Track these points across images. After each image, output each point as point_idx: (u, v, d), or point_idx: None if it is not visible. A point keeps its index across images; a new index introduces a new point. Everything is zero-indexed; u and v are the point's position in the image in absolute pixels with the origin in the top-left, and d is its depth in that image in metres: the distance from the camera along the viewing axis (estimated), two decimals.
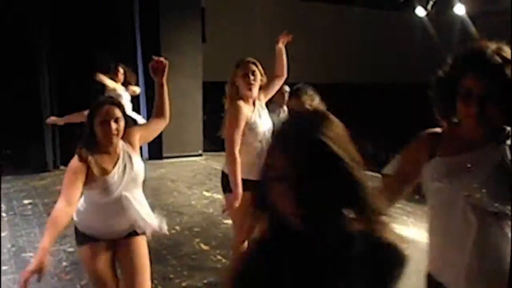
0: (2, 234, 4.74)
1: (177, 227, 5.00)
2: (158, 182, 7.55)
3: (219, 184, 6.69)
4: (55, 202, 6.10)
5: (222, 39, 10.14)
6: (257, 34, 10.36)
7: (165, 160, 9.27)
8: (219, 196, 6.26)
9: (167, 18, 9.17)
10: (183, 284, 3.61)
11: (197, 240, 4.60)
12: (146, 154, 9.40)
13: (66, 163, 7.76)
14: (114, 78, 6.73)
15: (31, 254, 4.19)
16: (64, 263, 4.01)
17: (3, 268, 3.89)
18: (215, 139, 9.62)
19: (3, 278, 3.71)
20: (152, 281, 3.56)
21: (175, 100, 9.49)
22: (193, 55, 9.43)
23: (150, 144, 9.35)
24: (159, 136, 8.99)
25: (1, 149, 8.84)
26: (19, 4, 8.46)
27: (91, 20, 9.01)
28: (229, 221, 5.12)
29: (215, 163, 8.83)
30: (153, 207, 5.78)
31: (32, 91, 8.41)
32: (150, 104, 9.18)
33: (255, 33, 10.48)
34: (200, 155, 9.65)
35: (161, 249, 4.36)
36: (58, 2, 8.55)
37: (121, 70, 6.78)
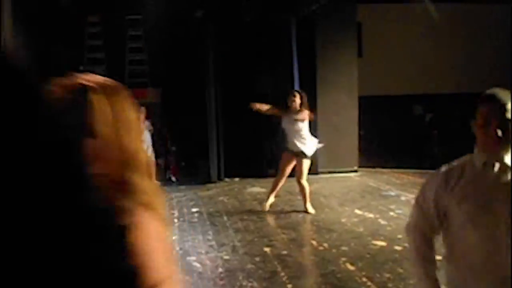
0: (173, 238, 5.42)
1: (325, 244, 5.10)
2: (311, 197, 7.74)
3: (373, 203, 6.67)
4: (217, 211, 6.73)
5: (378, 53, 9.99)
6: (414, 46, 9.99)
7: (320, 176, 9.44)
8: (371, 215, 6.22)
9: (323, 34, 9.37)
10: None
11: (344, 259, 4.63)
12: None
13: (229, 175, 8.52)
14: (290, 102, 6.70)
15: (194, 258, 4.72)
16: (220, 269, 4.41)
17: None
18: (371, 156, 9.54)
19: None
20: None
21: (330, 115, 9.74)
22: (349, 70, 9.46)
23: None
24: (314, 151, 9.27)
25: (179, 162, 10.04)
26: (190, 31, 9.60)
27: (251, 41, 9.73)
28: (379, 242, 5.07)
29: (370, 180, 8.72)
30: (303, 222, 6.05)
31: (201, 109, 9.38)
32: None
33: (412, 46, 10.11)
34: (355, 171, 9.59)
35: (307, 264, 4.52)
36: (224, 30, 9.45)
37: (297, 96, 6.73)
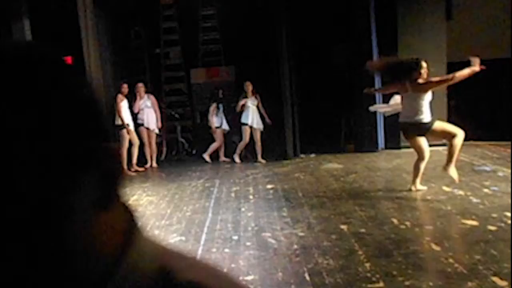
0: (249, 214, 5.40)
1: (407, 223, 4.77)
2: (393, 173, 7.38)
3: (464, 179, 6.15)
4: (292, 188, 6.62)
5: (471, 15, 9.11)
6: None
7: (403, 150, 8.94)
8: (461, 192, 5.74)
9: None
10: (406, 283, 3.42)
11: (428, 238, 4.30)
12: (382, 144, 9.27)
13: (305, 151, 8.33)
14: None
15: (269, 234, 4.64)
16: (295, 246, 4.28)
17: (247, 243, 4.43)
18: (463, 127, 8.86)
19: (246, 253, 4.20)
20: (374, 275, 3.53)
21: None
22: (436, 35, 8.73)
23: (386, 133, 9.19)
24: (396, 125, 8.80)
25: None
26: (263, 7, 9.44)
27: (326, 8, 9.30)
28: (470, 222, 4.65)
29: (462, 154, 8.02)
30: (384, 199, 5.74)
31: (275, 86, 9.20)
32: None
33: (506, 6, 9.13)
34: (444, 144, 8.93)
35: (387, 243, 4.25)
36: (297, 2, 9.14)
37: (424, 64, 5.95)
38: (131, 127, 8.67)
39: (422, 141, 5.86)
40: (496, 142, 8.67)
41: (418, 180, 5.95)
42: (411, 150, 8.84)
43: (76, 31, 8.43)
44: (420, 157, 5.88)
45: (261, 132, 9.01)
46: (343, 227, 4.76)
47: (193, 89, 11.25)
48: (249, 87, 8.96)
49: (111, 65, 8.91)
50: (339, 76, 9.65)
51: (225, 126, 9.32)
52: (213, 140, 9.28)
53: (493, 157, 7.75)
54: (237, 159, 9.06)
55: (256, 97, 8.94)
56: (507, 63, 9.71)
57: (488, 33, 9.20)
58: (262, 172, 8.00)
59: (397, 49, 8.85)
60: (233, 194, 6.49)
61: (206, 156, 9.21)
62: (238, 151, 9.11)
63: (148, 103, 9.08)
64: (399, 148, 8.89)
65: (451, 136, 5.78)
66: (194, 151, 10.45)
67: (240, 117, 9.01)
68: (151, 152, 9.13)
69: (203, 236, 4.73)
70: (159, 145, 9.62)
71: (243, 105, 8.90)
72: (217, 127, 9.20)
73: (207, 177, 7.86)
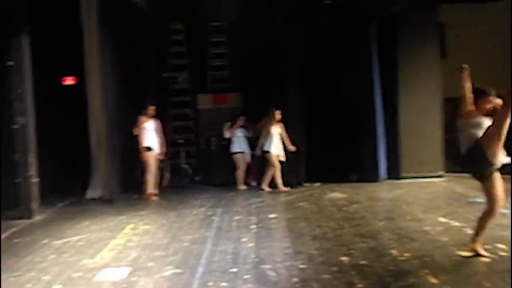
0: (249, 245, 5.48)
1: (407, 254, 4.87)
2: (393, 203, 7.50)
3: (459, 210, 6.26)
4: (295, 217, 6.71)
5: (464, 54, 9.45)
6: (501, 46, 9.34)
7: (403, 181, 9.11)
8: (457, 223, 5.87)
9: (404, 36, 9.10)
10: None
11: (426, 271, 4.39)
12: (384, 175, 9.41)
13: (309, 180, 8.38)
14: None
15: (269, 266, 4.73)
16: (295, 279, 4.37)
17: (245, 277, 4.50)
18: (459, 160, 9.00)
19: (244, 287, 4.27)
20: None
21: (413, 119, 9.39)
22: (432, 72, 9.16)
23: (388, 164, 9.35)
24: (397, 156, 8.97)
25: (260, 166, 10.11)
26: (271, 36, 9.70)
27: (332, 45, 9.62)
28: (465, 253, 4.76)
29: (457, 186, 8.23)
30: (384, 230, 5.85)
31: (282, 113, 9.38)
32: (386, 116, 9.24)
33: (498, 46, 9.46)
34: (441, 176, 9.13)
35: (386, 275, 4.34)
36: (304, 34, 9.43)
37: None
38: (155, 150, 8.77)
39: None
40: None
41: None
42: (412, 180, 9.07)
43: (80, 52, 8.48)
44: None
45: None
46: (344, 258, 4.85)
47: (199, 115, 11.47)
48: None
49: (114, 87, 8.84)
50: (346, 107, 9.85)
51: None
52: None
53: None
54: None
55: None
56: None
57: (481, 70, 9.48)
58: (266, 200, 8.11)
59: (397, 85, 9.16)
60: (234, 224, 6.52)
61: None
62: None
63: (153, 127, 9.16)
64: (400, 178, 9.08)
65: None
66: (197, 178, 10.60)
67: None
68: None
69: (200, 269, 4.69)
70: (161, 170, 9.62)
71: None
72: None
73: (209, 205, 7.90)
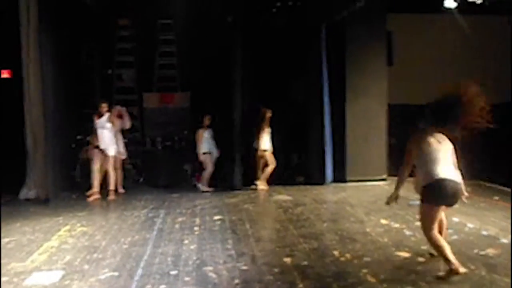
0: (191, 247, 5.33)
1: (347, 255, 4.91)
2: (337, 206, 7.58)
3: (400, 212, 6.42)
4: (240, 219, 6.63)
5: (409, 62, 9.83)
6: (445, 56, 9.74)
7: (348, 184, 9.24)
8: (397, 225, 6.00)
9: (352, 42, 9.26)
10: None
11: (365, 271, 4.43)
12: (330, 178, 9.51)
13: (250, 184, 8.25)
14: None
15: (211, 268, 4.61)
16: (237, 280, 4.28)
17: (185, 279, 4.36)
18: (401, 164, 9.19)
19: None
20: None
21: (359, 123, 9.57)
22: (378, 78, 9.35)
23: (334, 167, 9.46)
24: (343, 159, 9.09)
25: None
26: (221, 36, 9.64)
27: (281, 48, 9.65)
28: (403, 254, 4.86)
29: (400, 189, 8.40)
30: (327, 232, 5.87)
31: (228, 115, 9.31)
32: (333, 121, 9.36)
33: (443, 56, 9.87)
34: (384, 179, 9.34)
35: (326, 275, 4.34)
36: (253, 35, 9.41)
37: None
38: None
39: None
40: None
41: None
42: (356, 184, 9.20)
43: (17, 44, 8.08)
44: None
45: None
46: (287, 259, 4.82)
47: (145, 114, 11.16)
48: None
49: (53, 83, 8.31)
50: (294, 110, 9.90)
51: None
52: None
53: None
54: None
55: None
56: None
57: (424, 79, 9.86)
58: (212, 202, 7.97)
59: (345, 89, 9.32)
60: (177, 226, 6.34)
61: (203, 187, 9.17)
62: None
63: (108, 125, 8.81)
64: (345, 182, 9.21)
65: None
66: (141, 179, 10.28)
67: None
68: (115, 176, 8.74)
69: (139, 271, 4.53)
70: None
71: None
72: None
73: (152, 206, 7.67)
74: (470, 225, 5.97)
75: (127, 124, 9.23)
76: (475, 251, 4.90)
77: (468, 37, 9.71)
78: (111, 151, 8.49)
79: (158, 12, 11.00)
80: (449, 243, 4.36)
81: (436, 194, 4.19)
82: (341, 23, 9.16)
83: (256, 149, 9.09)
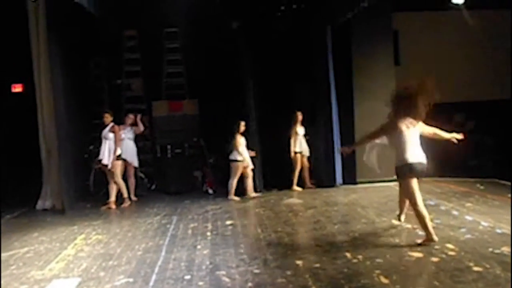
0: (204, 252, 5.40)
1: (359, 256, 4.92)
2: (348, 207, 7.59)
3: (411, 213, 6.40)
4: (251, 223, 6.66)
5: (416, 61, 9.77)
6: (453, 53, 9.69)
7: (359, 186, 9.24)
8: (409, 225, 5.99)
9: (358, 43, 9.26)
10: None
11: (378, 271, 4.44)
12: (340, 180, 9.51)
13: (266, 187, 8.30)
14: None
15: (224, 272, 4.67)
16: (250, 284, 4.33)
17: (199, 283, 4.42)
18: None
19: None
20: None
21: (368, 124, 9.53)
22: (386, 78, 9.28)
23: (344, 169, 9.46)
24: (354, 161, 9.07)
25: (216, 174, 10.02)
26: (227, 42, 9.72)
27: (287, 51, 9.70)
28: (416, 254, 4.86)
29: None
30: (339, 234, 5.90)
31: (238, 120, 9.33)
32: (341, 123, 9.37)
33: (450, 53, 9.82)
34: (396, 180, 9.28)
35: (339, 277, 4.36)
36: (259, 40, 9.47)
37: None
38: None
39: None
40: (440, 178, 9.10)
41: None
42: (367, 185, 9.20)
43: (28, 58, 8.23)
44: None
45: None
46: (299, 262, 4.85)
47: (155, 122, 11.26)
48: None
49: (64, 94, 8.48)
50: (303, 113, 9.90)
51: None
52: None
53: (437, 192, 8.17)
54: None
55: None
56: (450, 106, 10.37)
57: (435, 77, 9.82)
58: (223, 207, 8.03)
59: (352, 91, 9.32)
60: (190, 231, 6.42)
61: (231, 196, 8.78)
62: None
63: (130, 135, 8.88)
64: (356, 183, 9.20)
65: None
66: (153, 186, 10.38)
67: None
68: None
69: (153, 277, 4.62)
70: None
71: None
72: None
73: (164, 213, 7.76)
74: (484, 223, 5.93)
75: (141, 128, 9.37)
76: (490, 249, 4.86)
77: (476, 33, 9.64)
78: (110, 161, 8.41)
79: (163, 21, 11.12)
80: (463, 241, 5.13)
81: (407, 172, 5.24)
82: (346, 24, 9.17)
83: (294, 153, 9.20)
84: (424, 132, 5.43)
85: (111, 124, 8.52)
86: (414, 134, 5.27)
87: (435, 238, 5.11)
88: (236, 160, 8.73)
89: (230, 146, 8.77)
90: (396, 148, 5.31)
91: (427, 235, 5.15)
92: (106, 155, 8.39)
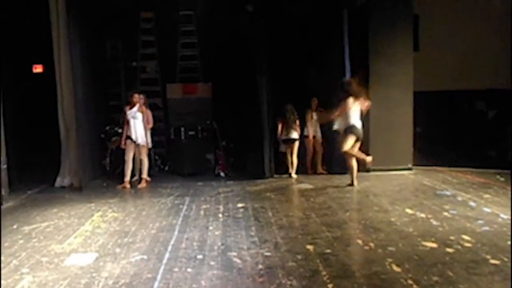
0: (216, 233, 5.43)
1: (371, 244, 4.90)
2: (361, 195, 7.55)
3: (426, 202, 6.36)
4: (263, 207, 6.71)
5: (437, 47, 9.54)
6: (475, 39, 9.44)
7: (371, 173, 9.17)
8: (423, 215, 5.94)
9: (376, 27, 9.08)
10: None
11: (390, 260, 4.42)
12: None
13: (278, 172, 8.34)
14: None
15: (235, 253, 4.69)
16: (260, 266, 4.35)
17: (211, 263, 4.46)
18: (427, 154, 9.12)
19: (209, 273, 4.23)
20: None
21: (383, 111, 9.41)
22: (404, 64, 9.12)
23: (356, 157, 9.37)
24: (367, 148, 9.01)
25: (229, 157, 10.03)
26: (242, 25, 9.64)
27: (303, 35, 9.58)
28: (429, 244, 4.82)
29: (425, 178, 8.36)
30: (350, 220, 5.88)
31: (252, 104, 9.32)
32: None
33: (472, 39, 9.56)
34: (410, 169, 9.23)
35: (350, 263, 4.36)
36: (275, 23, 9.38)
37: None
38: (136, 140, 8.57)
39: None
40: (457, 168, 9.01)
41: None
42: (380, 173, 9.13)
43: (48, 39, 8.36)
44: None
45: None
46: (309, 247, 4.85)
47: (168, 104, 11.29)
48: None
49: (82, 75, 8.64)
50: (317, 98, 9.84)
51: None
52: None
53: (453, 182, 8.06)
54: None
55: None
56: (470, 94, 10.16)
57: (452, 65, 9.62)
58: (235, 190, 8.06)
59: (368, 76, 9.18)
60: (202, 212, 6.48)
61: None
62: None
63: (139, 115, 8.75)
64: (368, 171, 9.11)
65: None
66: (166, 167, 10.45)
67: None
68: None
69: (166, 255, 4.69)
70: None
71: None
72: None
73: (177, 194, 7.85)
74: (503, 215, 5.83)
75: (150, 124, 9.25)
76: (508, 242, 4.78)
77: (500, 19, 9.36)
78: (143, 140, 8.58)
79: (179, 4, 11.07)
80: (479, 233, 5.07)
81: (350, 131, 7.78)
82: (364, 8, 9.00)
83: (306, 136, 9.39)
84: (361, 107, 7.89)
85: (138, 104, 8.56)
86: (356, 108, 7.83)
87: (356, 182, 7.97)
88: (307, 136, 9.35)
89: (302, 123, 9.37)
90: (346, 117, 7.80)
91: (351, 180, 8.04)
92: (138, 135, 8.49)
